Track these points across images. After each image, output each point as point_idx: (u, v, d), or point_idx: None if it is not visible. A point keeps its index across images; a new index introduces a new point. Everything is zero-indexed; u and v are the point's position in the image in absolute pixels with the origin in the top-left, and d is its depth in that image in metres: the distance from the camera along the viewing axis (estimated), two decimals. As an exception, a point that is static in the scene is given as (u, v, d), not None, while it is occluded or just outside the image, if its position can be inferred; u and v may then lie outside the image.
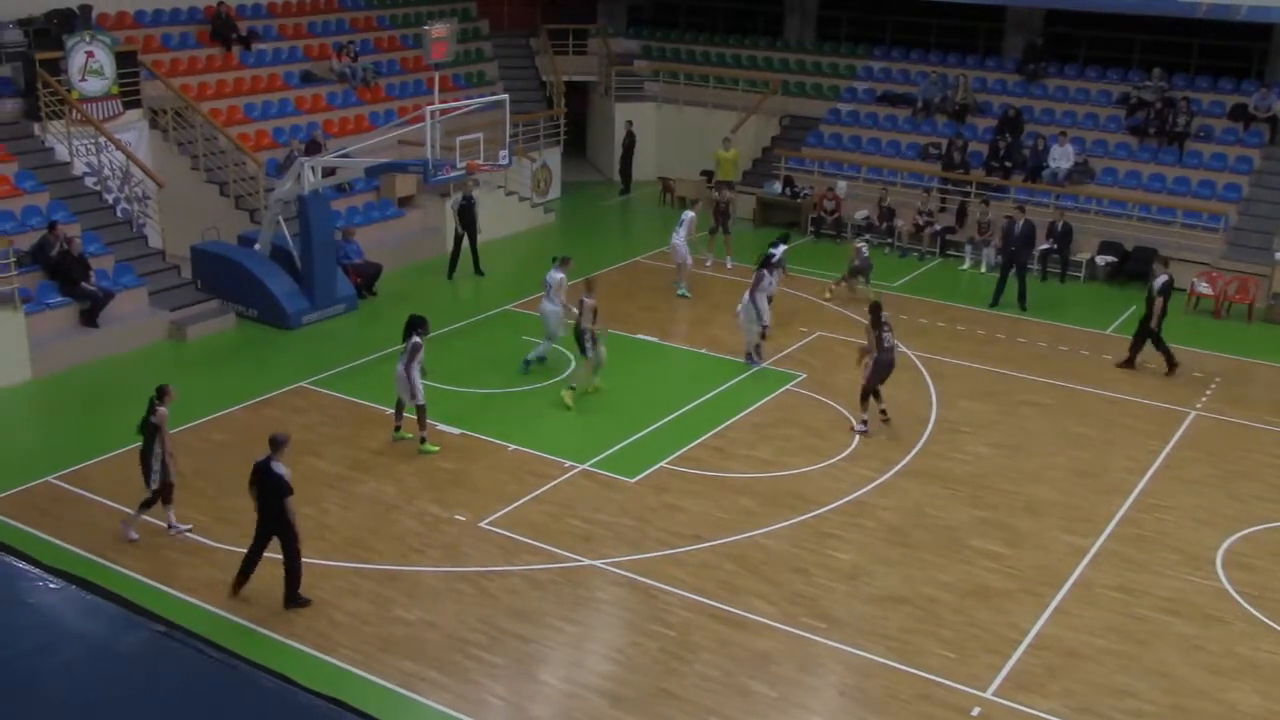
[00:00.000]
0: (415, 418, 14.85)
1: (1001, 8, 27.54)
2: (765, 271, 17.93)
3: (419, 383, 14.68)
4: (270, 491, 11.28)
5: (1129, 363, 18.28)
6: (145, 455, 12.53)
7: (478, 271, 22.23)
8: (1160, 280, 18.04)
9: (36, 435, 16.00)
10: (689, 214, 21.68)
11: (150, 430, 12.47)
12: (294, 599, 11.50)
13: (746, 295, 17.72)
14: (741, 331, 18.04)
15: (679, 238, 21.24)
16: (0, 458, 14.67)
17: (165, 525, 12.83)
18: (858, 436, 15.51)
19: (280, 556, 11.41)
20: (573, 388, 16.57)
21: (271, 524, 11.38)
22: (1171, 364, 18.10)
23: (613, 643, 11.25)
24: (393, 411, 15.34)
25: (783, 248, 19.85)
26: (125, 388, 17.07)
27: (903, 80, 28.03)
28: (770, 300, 18.04)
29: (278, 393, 16.66)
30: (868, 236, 23.25)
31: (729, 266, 22.81)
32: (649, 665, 10.81)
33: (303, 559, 11.55)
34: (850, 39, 29.84)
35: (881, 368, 15.53)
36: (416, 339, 14.73)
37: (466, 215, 21.92)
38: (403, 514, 13.40)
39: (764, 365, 17.86)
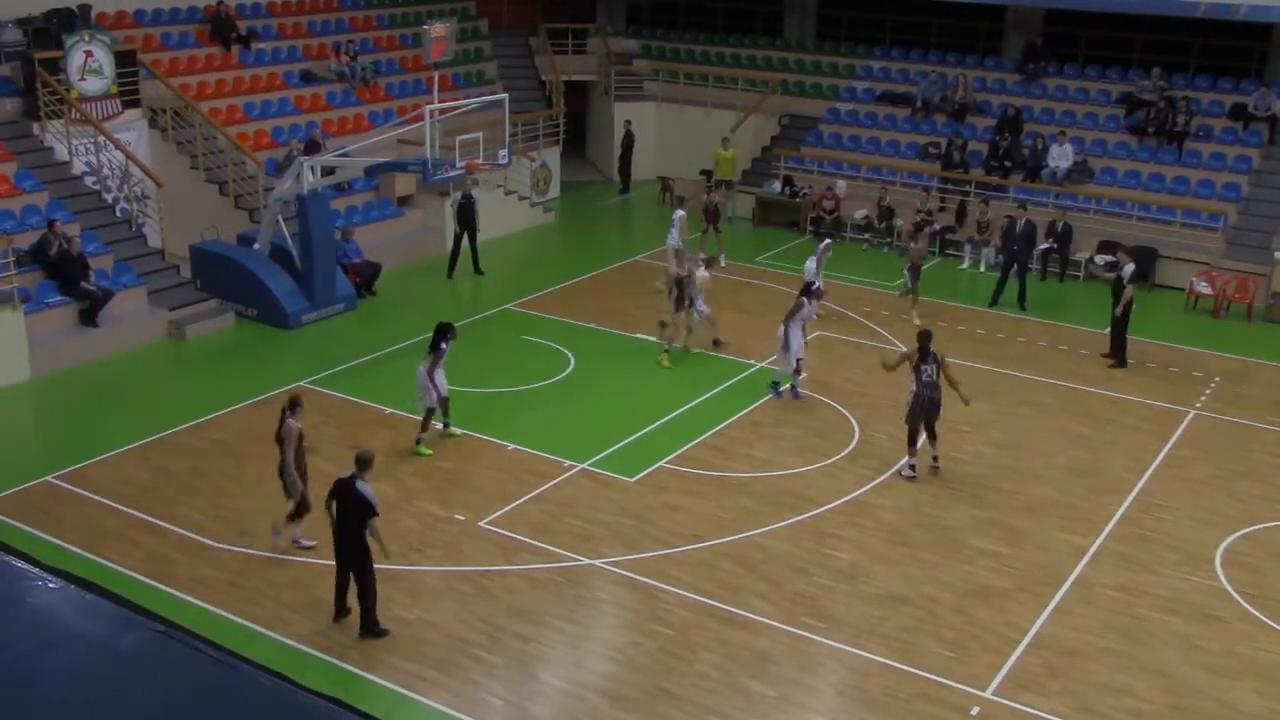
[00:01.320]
0: (431, 414, 14.88)
1: (1001, 7, 27.54)
2: (804, 299, 16.67)
3: (441, 386, 14.73)
4: (352, 510, 10.82)
5: (1121, 362, 18.31)
6: (280, 469, 12.19)
7: (477, 271, 22.21)
8: (1128, 269, 18.26)
9: (36, 435, 16.00)
10: (680, 213, 21.55)
11: (279, 443, 12.11)
12: (369, 627, 11.03)
13: (781, 326, 16.57)
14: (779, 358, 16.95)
15: (674, 239, 21.21)
16: (0, 457, 14.67)
17: (279, 536, 12.45)
18: (903, 476, 14.53)
19: (275, 555, 11.37)
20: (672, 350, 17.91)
21: (349, 543, 10.89)
22: (1122, 360, 18.28)
23: (612, 642, 11.25)
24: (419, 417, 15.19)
25: (826, 242, 20.00)
26: (125, 387, 17.11)
27: (902, 80, 28.03)
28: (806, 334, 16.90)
29: (277, 392, 16.62)
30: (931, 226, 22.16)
31: (722, 264, 22.76)
32: (649, 665, 10.81)
33: (375, 581, 11.09)
34: (850, 39, 29.82)
35: (915, 404, 14.35)
36: (443, 346, 14.69)
37: (466, 214, 21.90)
38: (403, 514, 13.39)
39: (784, 392, 16.75)
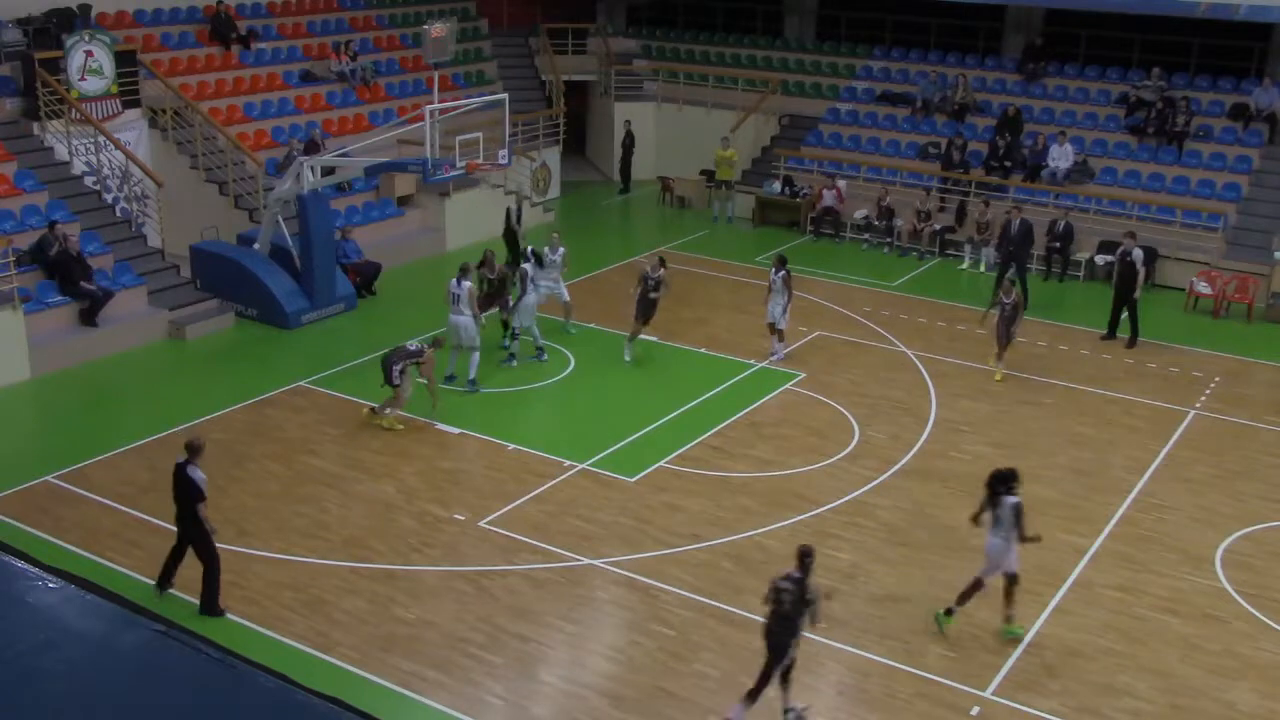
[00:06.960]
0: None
1: (1001, 7, 27.54)
2: (525, 265, 15.75)
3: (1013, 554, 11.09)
4: (184, 493, 11.22)
5: (1115, 335, 19.43)
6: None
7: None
8: (1138, 251, 19.03)
9: (36, 435, 15.99)
10: (467, 284, 16.40)
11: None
12: (208, 606, 11.31)
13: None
14: None
15: (461, 315, 16.46)
16: (0, 457, 14.66)
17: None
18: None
19: (274, 555, 11.38)
20: None
21: (185, 523, 11.31)
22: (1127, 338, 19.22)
23: (612, 642, 11.25)
24: None
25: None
26: (124, 387, 17.11)
27: (902, 80, 28.03)
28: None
29: (277, 392, 16.65)
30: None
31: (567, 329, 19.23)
32: (649, 665, 10.81)
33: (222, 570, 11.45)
34: (850, 38, 29.83)
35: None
36: (1014, 499, 10.90)
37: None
38: (402, 513, 13.39)
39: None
